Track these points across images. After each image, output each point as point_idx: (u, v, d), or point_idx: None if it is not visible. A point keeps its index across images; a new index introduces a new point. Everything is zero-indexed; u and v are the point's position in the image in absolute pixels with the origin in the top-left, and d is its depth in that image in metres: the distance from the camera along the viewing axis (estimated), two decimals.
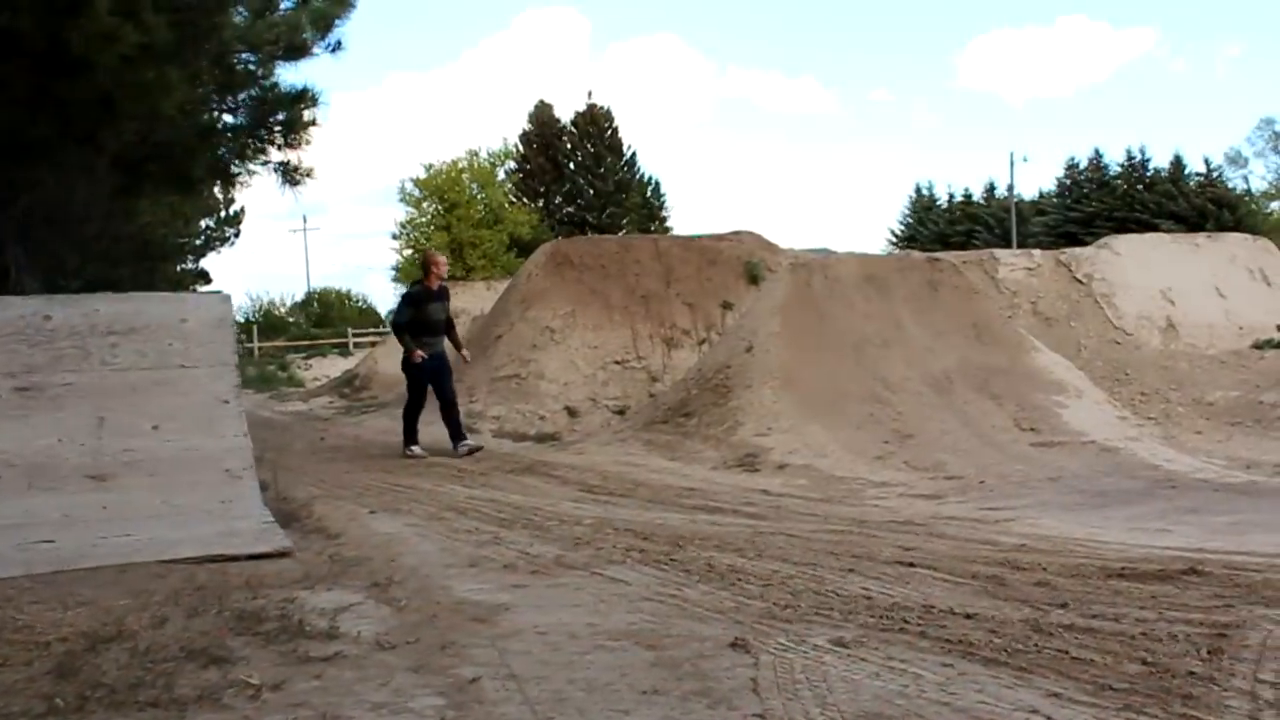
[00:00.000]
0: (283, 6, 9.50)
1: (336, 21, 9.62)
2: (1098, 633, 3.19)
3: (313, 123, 9.26)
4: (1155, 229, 24.77)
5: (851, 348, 9.37)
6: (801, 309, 9.64)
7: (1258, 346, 12.71)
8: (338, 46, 9.69)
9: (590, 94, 43.69)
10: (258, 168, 9.47)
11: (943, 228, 40.46)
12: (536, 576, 4.25)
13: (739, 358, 9.49)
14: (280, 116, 9.45)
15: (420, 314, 9.46)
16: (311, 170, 9.54)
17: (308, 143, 9.30)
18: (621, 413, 11.44)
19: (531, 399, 12.15)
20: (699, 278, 13.00)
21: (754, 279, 12.55)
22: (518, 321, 12.88)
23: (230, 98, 8.73)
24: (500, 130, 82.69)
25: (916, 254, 17.47)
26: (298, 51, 8.97)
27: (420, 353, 9.30)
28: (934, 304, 9.85)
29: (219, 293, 5.77)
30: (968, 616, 3.43)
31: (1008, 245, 31.20)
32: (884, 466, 8.15)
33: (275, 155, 9.64)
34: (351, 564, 4.50)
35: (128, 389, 5.32)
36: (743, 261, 12.98)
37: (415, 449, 9.56)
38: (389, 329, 24.47)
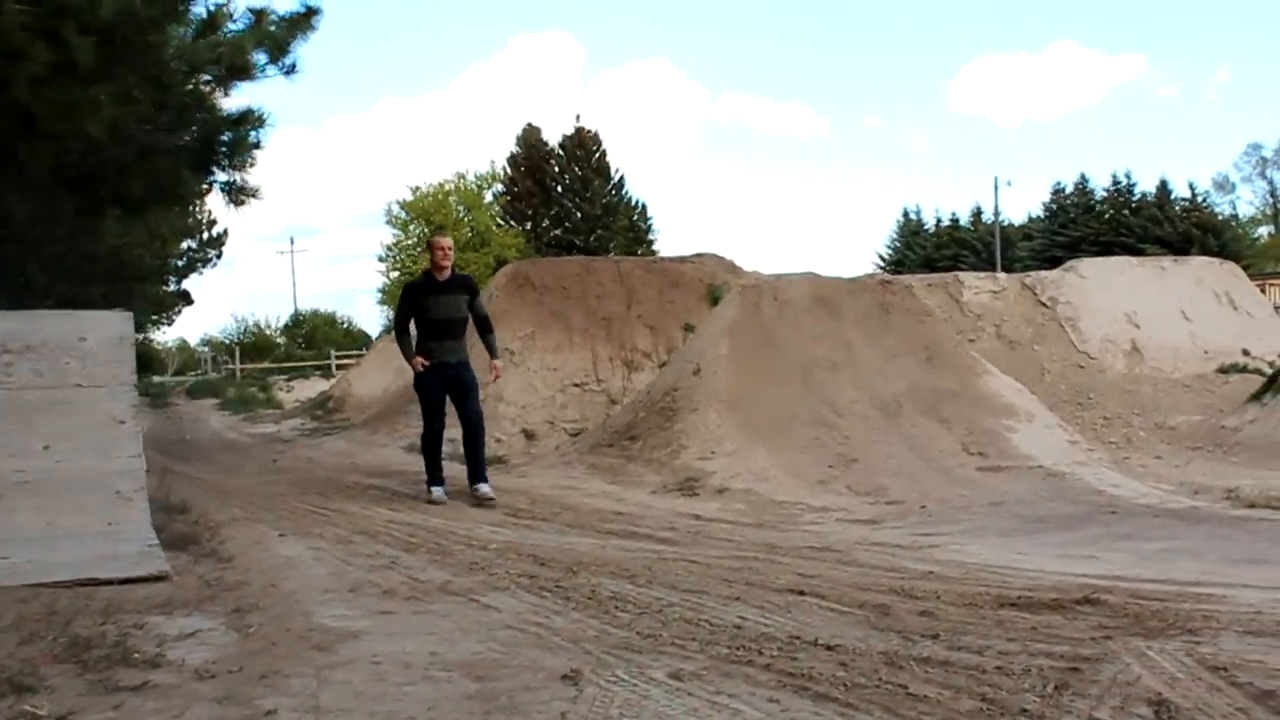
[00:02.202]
0: (232, 28, 9.45)
1: (291, 44, 9.56)
2: (951, 666, 3.06)
3: (257, 144, 9.16)
4: (1141, 254, 24.75)
5: (800, 370, 9.23)
6: (750, 331, 9.52)
7: (1222, 371, 12.61)
8: (292, 69, 9.62)
9: (579, 117, 43.89)
10: (203, 188, 9.37)
11: (930, 252, 40.49)
12: (411, 602, 4.12)
13: (686, 380, 9.37)
14: (225, 137, 9.37)
15: (422, 310, 7.55)
16: (258, 190, 9.42)
17: (252, 164, 9.21)
18: (579, 435, 11.31)
19: (489, 421, 12.02)
20: (661, 300, 12.93)
21: (716, 301, 12.45)
22: (476, 343, 12.77)
23: (169, 118, 8.62)
24: (492, 154, 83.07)
25: (894, 277, 17.43)
26: (241, 73, 8.89)
27: (421, 360, 7.47)
28: (885, 327, 9.73)
29: (120, 310, 5.64)
30: (829, 648, 3.30)
31: (993, 270, 31.16)
32: (825, 491, 8.01)
33: (221, 176, 9.54)
34: (226, 588, 4.37)
35: (21, 408, 5.19)
36: (705, 284, 12.91)
37: (436, 492, 7.56)
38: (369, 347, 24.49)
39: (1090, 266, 14.09)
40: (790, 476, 8.25)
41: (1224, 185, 43.39)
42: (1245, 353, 12.95)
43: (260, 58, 9.35)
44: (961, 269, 32.60)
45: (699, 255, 13.56)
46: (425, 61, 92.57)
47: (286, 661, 3.16)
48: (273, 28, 9.46)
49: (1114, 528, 6.74)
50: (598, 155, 40.70)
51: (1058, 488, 8.13)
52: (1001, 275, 14.76)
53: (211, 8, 8.78)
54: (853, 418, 8.98)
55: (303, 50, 9.13)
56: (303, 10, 9.45)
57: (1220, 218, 37.20)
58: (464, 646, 3.36)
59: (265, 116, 9.38)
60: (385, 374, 18.78)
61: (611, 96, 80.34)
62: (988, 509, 7.49)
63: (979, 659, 3.14)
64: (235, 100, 9.41)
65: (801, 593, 4.25)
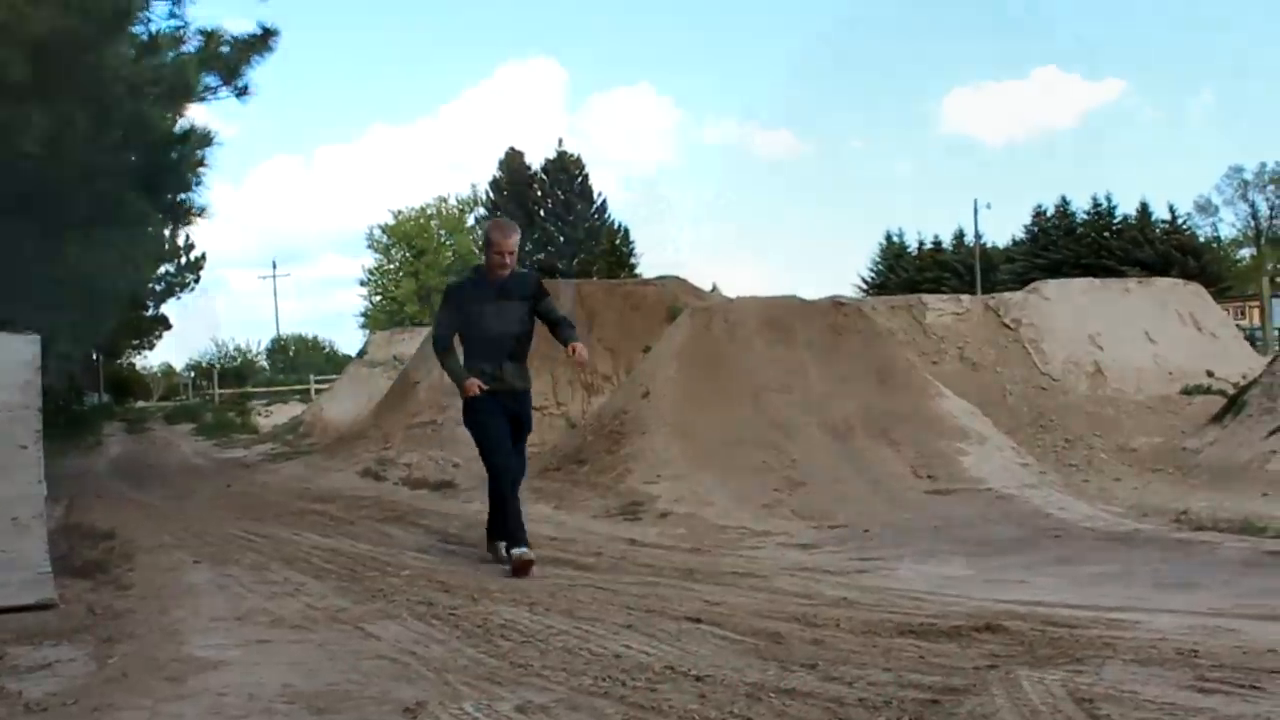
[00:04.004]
0: (185, 50, 9.42)
1: (244, 67, 9.54)
2: (813, 697, 2.96)
3: (201, 162, 9.12)
4: (1122, 275, 24.77)
5: (750, 393, 9.15)
6: (700, 354, 9.44)
7: (1186, 392, 12.53)
8: (244, 91, 9.60)
9: (561, 141, 43.98)
10: (147, 207, 9.31)
11: (912, 274, 40.58)
12: (294, 631, 4.01)
13: (635, 403, 9.28)
14: (173, 156, 9.32)
15: (467, 319, 5.84)
16: (205, 210, 9.38)
17: (198, 183, 9.16)
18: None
19: (447, 446, 11.91)
20: (621, 323, 12.86)
21: None
22: (436, 368, 12.68)
23: (112, 138, 8.57)
24: (476, 179, 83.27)
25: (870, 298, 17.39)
26: (185, 93, 8.85)
27: (476, 383, 5.70)
28: (837, 349, 9.66)
29: (26, 334, 5.53)
30: (697, 679, 3.20)
31: (973, 293, 31.21)
32: (770, 515, 7.90)
33: (169, 195, 9.49)
34: (111, 617, 4.27)
35: None
36: (666, 307, 12.83)
37: (507, 550, 5.69)
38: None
39: (1054, 288, 14.03)
40: (735, 501, 8.15)
41: (1206, 208, 43.52)
42: (1209, 374, 12.88)
43: (212, 80, 9.33)
44: (944, 292, 32.73)
45: (660, 278, 13.51)
46: (414, 90, 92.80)
47: (128, 694, 3.05)
48: (225, 49, 9.44)
49: (1054, 552, 6.64)
50: (580, 179, 40.81)
51: (1005, 510, 8.03)
52: (965, 297, 14.71)
53: (155, 30, 8.77)
54: (802, 441, 8.89)
55: (272, 73, 9.14)
56: (259, 33, 9.45)
57: (1201, 240, 37.32)
58: (322, 678, 3.25)
59: (211, 135, 9.37)
60: (358, 399, 18.70)
61: (596, 121, 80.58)
62: (931, 532, 7.38)
63: (846, 690, 3.04)
64: (225, 125, 9.39)
65: (699, 620, 4.14)
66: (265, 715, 2.84)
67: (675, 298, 12.88)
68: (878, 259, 44.03)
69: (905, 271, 41.32)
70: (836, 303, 10.79)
